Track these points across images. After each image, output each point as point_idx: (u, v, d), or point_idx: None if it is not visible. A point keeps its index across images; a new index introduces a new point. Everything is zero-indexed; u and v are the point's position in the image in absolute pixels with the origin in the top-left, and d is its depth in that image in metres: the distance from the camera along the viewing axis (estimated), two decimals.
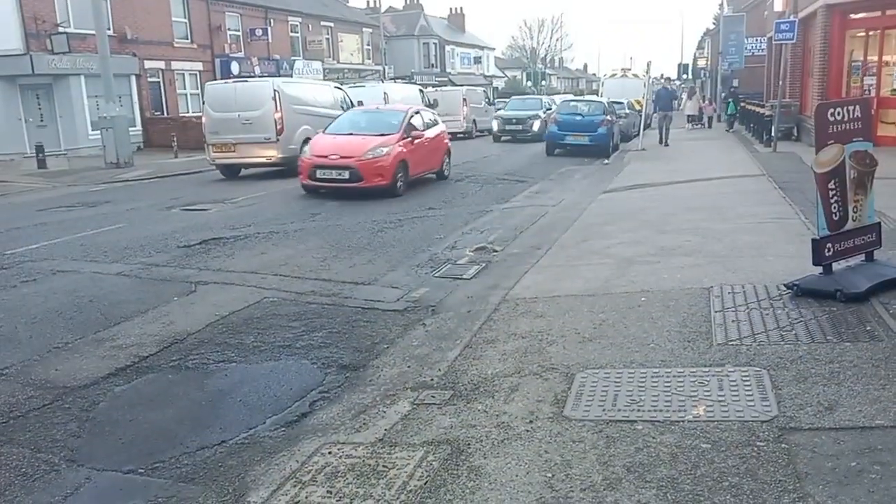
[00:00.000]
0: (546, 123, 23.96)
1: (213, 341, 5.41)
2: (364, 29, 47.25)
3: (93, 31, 18.74)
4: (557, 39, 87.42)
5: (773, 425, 3.44)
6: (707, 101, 34.17)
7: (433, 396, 4.14)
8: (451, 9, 66.45)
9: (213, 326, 5.74)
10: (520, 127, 27.14)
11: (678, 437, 3.41)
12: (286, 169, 17.18)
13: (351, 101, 20.28)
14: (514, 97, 32.96)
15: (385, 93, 24.34)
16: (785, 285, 5.51)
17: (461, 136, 30.17)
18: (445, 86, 42.60)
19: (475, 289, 6.57)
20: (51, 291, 6.93)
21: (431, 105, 27.21)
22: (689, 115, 30.84)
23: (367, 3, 54.91)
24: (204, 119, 17.52)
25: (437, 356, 4.82)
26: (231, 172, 17.55)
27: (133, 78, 27.54)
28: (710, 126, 30.25)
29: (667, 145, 21.04)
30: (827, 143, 5.32)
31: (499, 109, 30.79)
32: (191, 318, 5.95)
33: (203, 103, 17.88)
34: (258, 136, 16.61)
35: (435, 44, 57.14)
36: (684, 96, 36.22)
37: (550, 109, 26.62)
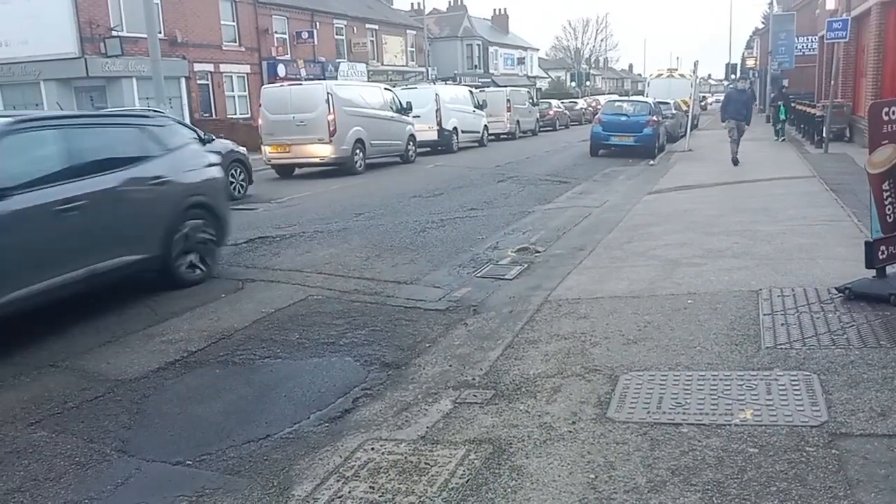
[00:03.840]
0: None
1: (259, 337, 5.49)
2: (408, 31, 47.51)
3: (145, 35, 19.19)
4: (602, 40, 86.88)
5: (824, 430, 3.36)
6: None
7: (475, 395, 4.14)
8: (494, 10, 66.48)
9: (259, 323, 5.84)
10: None
11: (724, 440, 3.35)
12: (337, 169, 17.61)
13: (401, 103, 20.55)
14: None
15: (437, 94, 24.49)
16: (836, 288, 5.37)
17: (504, 136, 30.18)
18: (489, 87, 42.54)
19: (517, 289, 6.55)
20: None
21: (481, 106, 27.24)
22: None
23: (411, 5, 55.23)
24: (260, 121, 18.17)
25: (478, 356, 4.83)
26: (286, 172, 18.23)
27: (183, 80, 28.16)
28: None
29: (736, 164, 15.43)
30: (881, 144, 5.18)
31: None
32: (238, 315, 6.06)
33: (260, 106, 18.45)
34: (312, 137, 17.13)
35: (478, 45, 57.12)
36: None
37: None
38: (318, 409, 4.23)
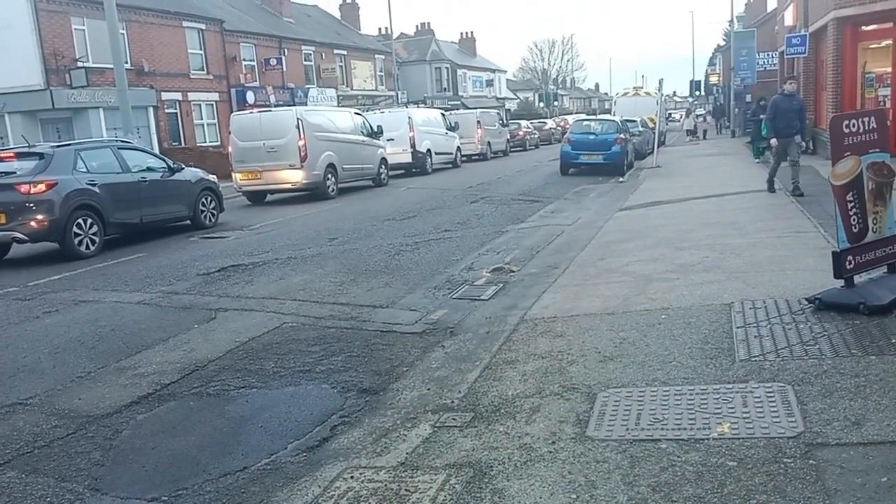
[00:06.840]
0: None
1: (234, 367, 5.43)
2: (376, 55, 47.76)
3: (111, 65, 19.07)
4: (568, 60, 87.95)
5: (800, 441, 3.39)
6: (702, 118, 40.08)
7: (454, 419, 4.12)
8: (461, 33, 67.31)
9: (234, 353, 5.77)
10: None
11: (703, 455, 3.36)
12: (309, 194, 17.64)
13: (371, 127, 20.64)
14: None
15: (410, 117, 24.75)
16: (807, 299, 5.45)
17: (476, 157, 30.37)
18: (458, 109, 42.84)
19: (493, 309, 6.55)
20: (73, 321, 7.00)
21: (453, 128, 27.46)
22: (687, 130, 38.24)
23: (379, 30, 55.58)
24: (230, 148, 18.13)
25: (456, 378, 4.81)
26: (257, 198, 18.22)
27: (151, 109, 27.99)
28: (704, 138, 35.74)
29: (802, 194, 11.61)
30: (843, 156, 5.28)
31: None
32: (211, 345, 5.98)
33: (229, 133, 18.42)
34: (283, 163, 17.15)
35: (447, 68, 57.58)
36: (687, 114, 39.82)
37: None
38: (295, 439, 4.18)
